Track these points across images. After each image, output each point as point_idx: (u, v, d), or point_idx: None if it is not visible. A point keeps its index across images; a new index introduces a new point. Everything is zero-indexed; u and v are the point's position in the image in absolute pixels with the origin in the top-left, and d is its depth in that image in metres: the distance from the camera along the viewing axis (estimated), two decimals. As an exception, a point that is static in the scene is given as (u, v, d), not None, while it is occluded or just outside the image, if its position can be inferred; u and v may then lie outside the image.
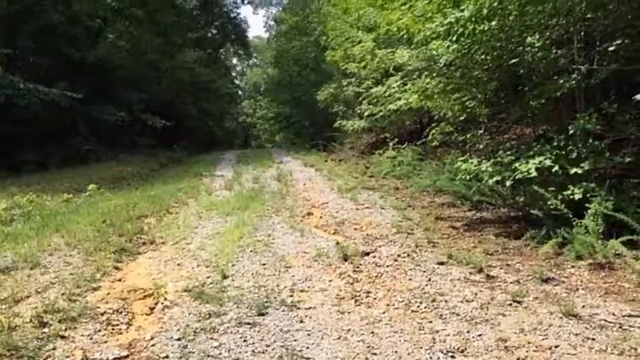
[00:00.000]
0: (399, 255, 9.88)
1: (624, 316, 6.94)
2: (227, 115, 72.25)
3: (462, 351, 6.06)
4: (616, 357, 5.85)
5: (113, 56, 36.69)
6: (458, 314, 7.11)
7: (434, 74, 14.20)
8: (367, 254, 10.06)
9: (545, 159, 10.26)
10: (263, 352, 6.12)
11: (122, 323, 7.11)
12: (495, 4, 10.73)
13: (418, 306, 7.42)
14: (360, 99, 27.54)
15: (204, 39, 62.92)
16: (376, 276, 8.73)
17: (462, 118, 14.40)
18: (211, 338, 6.47)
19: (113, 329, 6.89)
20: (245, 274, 8.92)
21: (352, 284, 8.41)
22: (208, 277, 8.72)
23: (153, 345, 6.39)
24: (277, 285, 8.31)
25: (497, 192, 12.38)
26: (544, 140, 11.34)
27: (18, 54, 29.74)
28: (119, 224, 12.47)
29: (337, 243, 10.68)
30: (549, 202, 10.01)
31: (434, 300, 7.58)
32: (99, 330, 6.79)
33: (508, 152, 11.48)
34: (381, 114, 23.71)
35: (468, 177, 12.14)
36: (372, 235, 11.44)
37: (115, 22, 40.23)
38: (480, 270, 8.79)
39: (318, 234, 11.82)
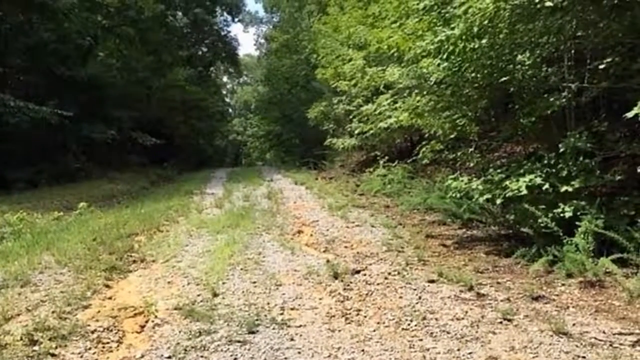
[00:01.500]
0: (389, 273, 9.87)
1: (614, 334, 6.93)
2: (217, 133, 72.33)
3: (453, 369, 6.06)
4: (607, 376, 5.85)
5: (103, 74, 36.76)
6: (448, 332, 7.10)
7: (425, 92, 14.22)
8: (358, 272, 10.04)
9: (535, 177, 10.28)
10: (253, 370, 6.10)
11: (112, 341, 7.07)
12: (485, 22, 10.77)
13: (408, 324, 7.40)
14: (350, 116, 27.60)
15: (194, 57, 63.11)
16: (367, 294, 8.72)
17: (452, 136, 14.40)
18: (202, 356, 6.44)
19: (104, 347, 6.86)
20: (236, 291, 8.89)
21: (342, 302, 8.40)
22: (198, 295, 8.70)
23: (143, 363, 6.37)
24: (268, 303, 8.29)
25: (487, 210, 12.41)
26: (534, 158, 11.36)
27: (8, 71, 29.78)
28: (109, 242, 12.44)
29: (328, 261, 10.65)
30: (539, 220, 10.02)
31: (424, 318, 7.57)
32: (90, 349, 6.76)
33: (498, 170, 11.50)
34: (372, 131, 23.75)
35: (458, 195, 12.17)
36: (363, 253, 11.43)
37: (105, 41, 40.28)
38: (471, 288, 8.78)
39: (308, 252, 11.81)
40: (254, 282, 9.42)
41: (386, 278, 9.61)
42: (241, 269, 10.29)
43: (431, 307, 8.05)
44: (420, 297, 8.52)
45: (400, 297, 8.55)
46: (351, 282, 9.38)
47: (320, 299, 8.57)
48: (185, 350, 6.61)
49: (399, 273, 9.92)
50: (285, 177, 32.89)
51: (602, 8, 10.48)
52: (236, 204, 19.54)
